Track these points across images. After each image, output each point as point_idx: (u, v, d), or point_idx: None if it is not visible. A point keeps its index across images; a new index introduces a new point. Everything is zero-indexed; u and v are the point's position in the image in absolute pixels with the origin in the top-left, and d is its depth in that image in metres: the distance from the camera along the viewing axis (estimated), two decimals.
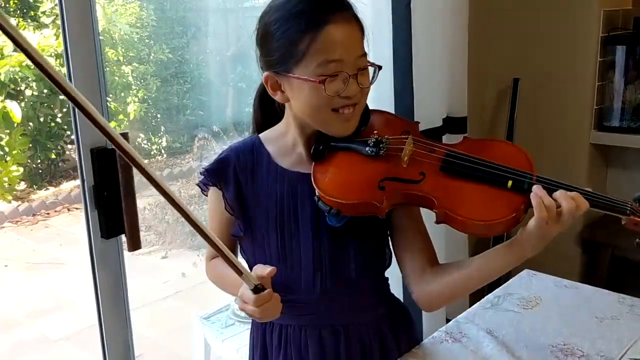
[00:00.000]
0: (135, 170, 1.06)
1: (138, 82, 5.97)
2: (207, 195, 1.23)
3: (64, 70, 1.44)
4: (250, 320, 1.34)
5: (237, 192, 1.18)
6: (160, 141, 6.40)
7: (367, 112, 1.17)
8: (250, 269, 1.09)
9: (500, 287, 1.55)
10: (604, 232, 2.46)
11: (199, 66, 6.31)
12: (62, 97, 5.50)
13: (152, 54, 6.00)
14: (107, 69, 5.92)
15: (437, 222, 1.08)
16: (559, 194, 1.02)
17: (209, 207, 1.24)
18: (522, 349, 1.27)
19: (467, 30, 2.07)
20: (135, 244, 1.49)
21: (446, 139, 1.99)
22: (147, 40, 6.04)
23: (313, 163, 1.13)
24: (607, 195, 1.07)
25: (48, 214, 5.34)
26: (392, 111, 1.80)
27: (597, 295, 1.50)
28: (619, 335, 1.31)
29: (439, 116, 1.92)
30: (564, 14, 2.36)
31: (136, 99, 5.89)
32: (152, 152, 6.37)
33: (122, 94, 5.93)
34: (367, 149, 1.11)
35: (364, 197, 1.07)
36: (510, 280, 1.60)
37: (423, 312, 1.93)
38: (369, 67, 1.10)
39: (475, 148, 1.12)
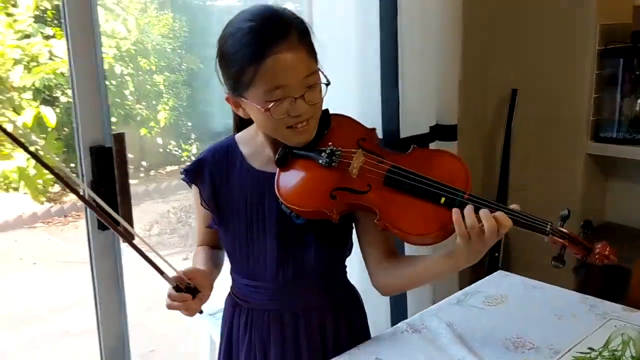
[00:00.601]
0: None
1: (169, 91, 6.18)
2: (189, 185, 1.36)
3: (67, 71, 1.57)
4: None
5: (212, 190, 1.30)
6: (190, 148, 6.60)
7: (327, 118, 1.26)
8: (229, 256, 1.28)
9: (471, 285, 1.63)
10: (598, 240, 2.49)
11: None
12: None
13: (184, 64, 6.21)
14: (140, 77, 6.15)
15: (381, 230, 1.18)
16: (482, 213, 1.09)
17: (193, 198, 1.37)
18: (475, 341, 1.34)
19: (461, 38, 2.14)
20: (129, 236, 1.61)
21: (434, 146, 2.07)
22: (178, 51, 6.25)
23: (277, 169, 1.23)
24: (530, 215, 1.15)
25: (79, 215, 5.54)
26: (379, 116, 1.91)
27: (561, 295, 1.56)
28: (573, 331, 1.36)
29: (426, 123, 2.00)
30: (562, 27, 2.42)
31: (167, 107, 6.10)
32: (182, 159, 6.56)
33: (154, 102, 6.15)
34: (321, 160, 1.20)
35: (317, 205, 1.18)
36: (483, 279, 1.67)
37: (408, 293, 2.02)
38: (320, 83, 1.18)
39: (420, 161, 1.21)
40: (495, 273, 1.71)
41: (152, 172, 6.43)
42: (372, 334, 1.43)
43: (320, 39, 1.88)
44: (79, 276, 4.26)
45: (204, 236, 1.41)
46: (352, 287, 1.43)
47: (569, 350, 1.29)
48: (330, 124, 1.27)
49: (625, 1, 2.52)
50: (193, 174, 1.32)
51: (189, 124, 6.60)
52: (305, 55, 1.16)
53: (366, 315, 1.45)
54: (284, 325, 1.32)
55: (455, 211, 1.10)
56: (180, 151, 6.55)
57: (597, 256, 1.17)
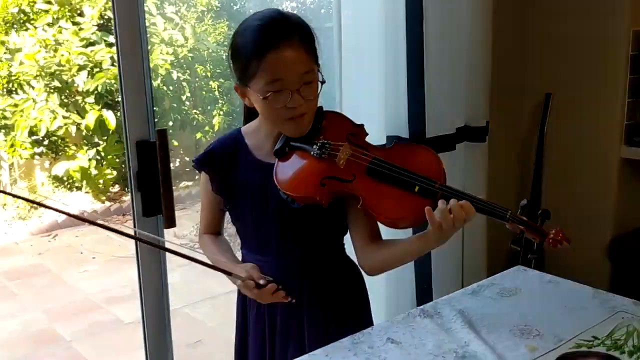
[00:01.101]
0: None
1: (224, 97, 6.40)
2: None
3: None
4: None
5: (221, 177, 1.46)
6: None
7: (320, 115, 1.41)
8: (238, 234, 1.44)
9: (488, 278, 1.70)
10: (632, 246, 2.51)
11: None
12: (155, 108, 6.01)
13: None
14: (196, 84, 6.39)
15: (364, 215, 1.36)
16: (451, 203, 1.25)
17: (200, 187, 1.54)
18: (483, 326, 1.42)
19: (490, 41, 2.20)
20: (169, 222, 1.76)
21: (463, 147, 2.14)
22: None
23: (276, 160, 1.39)
24: (492, 204, 1.29)
25: None
26: (405, 117, 2.00)
27: (574, 289, 1.61)
28: (579, 322, 1.42)
29: (452, 124, 2.08)
30: (596, 32, 2.45)
31: (221, 112, 6.31)
32: None
33: (209, 107, 6.38)
34: (313, 152, 1.36)
35: (308, 192, 1.34)
36: (500, 273, 1.74)
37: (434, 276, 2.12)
38: (317, 81, 1.33)
39: (400, 154, 1.36)
40: (513, 267, 1.77)
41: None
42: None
43: (348, 42, 2.01)
44: (134, 270, 4.48)
45: (208, 222, 1.57)
46: (352, 262, 1.56)
47: (572, 338, 1.35)
48: (324, 119, 1.41)
49: None
50: (204, 163, 1.47)
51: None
52: (304, 55, 1.31)
53: (366, 289, 1.59)
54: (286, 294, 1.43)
55: (427, 208, 1.24)
56: None
57: (551, 240, 1.32)
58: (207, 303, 3.82)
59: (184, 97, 6.12)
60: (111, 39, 5.52)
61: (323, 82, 1.35)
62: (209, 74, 6.30)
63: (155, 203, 1.74)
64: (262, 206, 1.43)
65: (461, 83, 2.08)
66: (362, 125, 1.44)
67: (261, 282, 1.33)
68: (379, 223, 1.42)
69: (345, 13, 1.99)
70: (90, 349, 3.40)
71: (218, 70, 6.39)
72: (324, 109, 1.44)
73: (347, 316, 1.52)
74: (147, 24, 5.66)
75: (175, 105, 6.02)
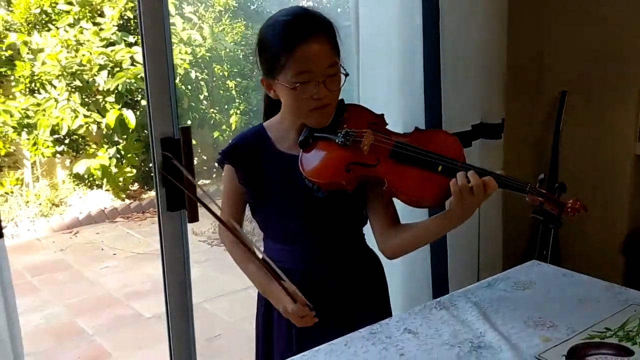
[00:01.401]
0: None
1: (241, 96, 6.46)
2: (222, 168, 1.58)
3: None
4: None
5: (246, 170, 1.52)
6: None
7: (343, 106, 1.48)
8: (260, 226, 1.55)
9: (503, 272, 1.74)
10: None
11: None
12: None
13: (255, 70, 6.44)
14: (214, 83, 6.46)
15: (388, 196, 1.45)
16: (470, 175, 1.33)
17: (224, 180, 1.58)
18: (498, 318, 1.45)
19: (505, 39, 2.23)
20: (193, 216, 1.82)
21: (479, 144, 2.17)
22: (250, 57, 6.53)
23: (300, 151, 1.45)
24: (511, 178, 1.37)
25: (156, 212, 5.88)
26: (422, 114, 2.05)
27: (588, 283, 1.64)
28: (593, 314, 1.45)
29: (467, 121, 2.11)
30: (611, 31, 2.47)
31: (238, 111, 6.37)
32: None
33: (226, 107, 6.44)
34: (337, 140, 1.42)
35: (335, 178, 1.41)
36: (515, 267, 1.77)
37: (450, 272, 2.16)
38: (340, 74, 1.41)
39: (421, 139, 1.44)
40: (528, 262, 1.80)
41: (223, 174, 6.72)
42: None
43: (365, 40, 2.06)
44: (153, 267, 4.57)
45: (231, 217, 1.56)
46: (373, 252, 1.63)
47: (585, 330, 1.39)
48: (345, 111, 1.49)
49: None
50: (229, 156, 1.53)
51: None
52: (329, 50, 1.39)
53: (386, 279, 1.66)
54: (312, 283, 1.51)
55: (452, 181, 1.32)
56: None
57: (569, 210, 1.37)
58: (226, 298, 3.89)
59: (201, 97, 6.19)
60: (131, 38, 5.61)
61: (346, 75, 1.43)
62: (226, 73, 6.37)
63: (179, 198, 1.79)
64: (287, 197, 1.49)
65: (477, 80, 2.12)
66: (382, 115, 1.52)
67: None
68: (402, 205, 1.47)
69: (362, 11, 2.03)
70: (112, 342, 3.48)
71: (235, 70, 6.45)
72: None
73: (369, 305, 1.58)
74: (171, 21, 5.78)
75: (193, 104, 6.10)
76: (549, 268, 1.75)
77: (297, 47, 1.35)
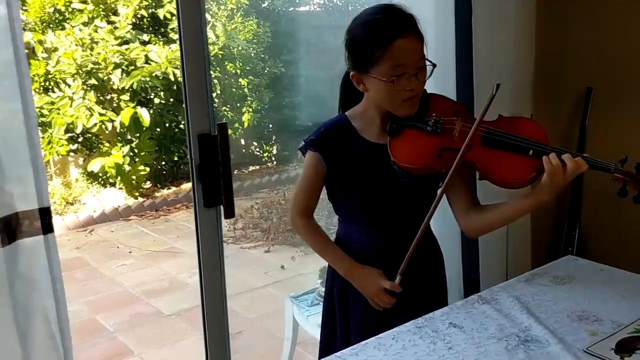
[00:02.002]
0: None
1: (253, 94, 6.47)
2: (304, 155, 1.65)
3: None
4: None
5: (333, 157, 1.59)
6: (271, 149, 6.87)
7: (426, 97, 1.56)
8: (341, 210, 1.66)
9: (540, 267, 1.74)
10: None
11: (309, 80, 6.73)
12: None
13: (267, 68, 6.49)
14: (226, 81, 6.47)
15: (480, 179, 1.54)
16: (565, 156, 1.42)
17: (305, 164, 1.65)
18: (541, 312, 1.47)
19: (538, 38, 2.24)
20: (229, 212, 1.82)
21: None
22: (262, 55, 6.54)
23: (389, 138, 1.53)
24: (598, 160, 1.46)
25: (169, 210, 5.91)
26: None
27: (627, 278, 1.66)
28: (636, 308, 1.46)
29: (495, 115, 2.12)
30: (637, 25, 2.47)
31: (250, 109, 6.38)
32: (264, 159, 6.84)
33: (238, 105, 6.46)
34: (428, 127, 1.51)
35: (428, 163, 1.51)
36: (552, 262, 1.78)
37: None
38: (427, 66, 1.50)
39: (508, 125, 1.53)
40: (564, 257, 1.81)
41: (235, 172, 6.74)
42: None
43: None
44: (169, 265, 4.59)
45: (308, 203, 1.67)
46: (436, 238, 1.72)
47: (630, 324, 1.39)
48: (429, 100, 1.57)
49: None
50: (317, 144, 1.60)
51: (271, 125, 6.88)
52: (420, 43, 1.49)
53: (443, 264, 1.75)
54: (389, 266, 1.57)
55: (545, 158, 1.42)
56: (261, 152, 6.84)
57: None
58: (245, 296, 3.90)
59: (214, 95, 6.20)
60: (145, 37, 5.63)
61: (434, 66, 1.51)
62: (238, 71, 6.38)
63: (215, 194, 1.80)
64: (372, 182, 1.57)
65: (507, 78, 2.12)
66: (463, 103, 1.66)
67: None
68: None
69: None
70: (134, 339, 3.49)
71: (247, 68, 6.47)
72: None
73: (434, 291, 1.68)
74: None
75: None
76: (586, 263, 1.76)
77: (393, 43, 1.43)
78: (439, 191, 1.56)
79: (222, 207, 1.83)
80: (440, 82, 2.05)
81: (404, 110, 1.52)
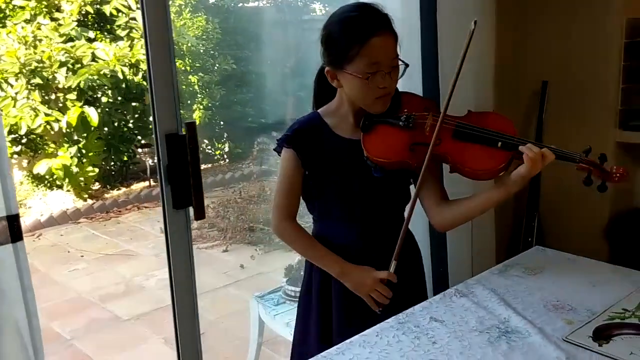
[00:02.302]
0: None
1: (203, 91, 6.38)
2: (279, 155, 1.65)
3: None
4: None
5: (308, 153, 1.60)
6: (223, 147, 6.79)
7: (397, 95, 1.59)
8: (318, 207, 1.65)
9: (511, 259, 1.78)
10: (629, 227, 2.62)
11: (260, 76, 6.68)
12: (134, 103, 5.97)
13: (217, 65, 6.40)
14: (176, 78, 6.34)
15: (451, 171, 1.56)
16: (534, 149, 1.45)
17: (282, 164, 1.64)
18: (518, 303, 1.49)
19: (496, 35, 2.28)
20: (200, 214, 1.79)
21: None
22: (212, 52, 6.45)
23: (362, 133, 1.55)
24: (563, 150, 1.51)
25: (120, 211, 5.77)
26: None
27: (595, 266, 1.71)
28: (607, 296, 1.51)
29: (463, 112, 2.14)
30: (591, 21, 2.54)
31: (201, 107, 6.29)
32: (216, 157, 6.76)
33: (189, 102, 6.35)
34: (400, 122, 1.54)
35: (400, 157, 1.53)
36: (521, 253, 1.82)
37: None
38: (400, 65, 1.52)
39: (477, 119, 1.57)
40: (532, 248, 1.85)
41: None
42: None
43: None
44: (124, 268, 4.48)
45: (290, 205, 1.65)
46: (411, 232, 1.72)
47: (605, 311, 1.43)
48: (401, 97, 1.60)
49: None
50: (292, 141, 1.60)
51: (222, 123, 6.80)
52: (394, 42, 1.51)
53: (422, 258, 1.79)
54: (367, 259, 1.60)
55: (526, 146, 1.46)
56: (213, 150, 6.75)
57: (614, 175, 1.52)
58: (206, 297, 3.84)
59: None
60: (91, 34, 5.46)
61: (407, 65, 1.53)
62: (188, 68, 6.27)
63: (185, 195, 1.76)
64: (347, 177, 1.59)
65: (470, 75, 2.14)
66: (434, 101, 1.71)
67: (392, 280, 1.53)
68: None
69: None
70: (92, 346, 3.39)
71: (197, 65, 6.36)
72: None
73: (412, 284, 1.69)
74: (127, 19, 5.66)
75: None
76: (554, 253, 1.81)
77: (369, 40, 1.45)
78: (419, 179, 1.55)
79: (191, 209, 1.80)
80: (407, 79, 2.06)
81: (376, 107, 1.54)
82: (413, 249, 1.73)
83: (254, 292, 2.86)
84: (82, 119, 5.36)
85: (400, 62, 1.52)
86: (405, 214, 1.60)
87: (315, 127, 1.61)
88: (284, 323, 2.60)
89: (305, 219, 1.81)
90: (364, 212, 1.61)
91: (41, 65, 5.16)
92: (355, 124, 1.59)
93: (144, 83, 5.77)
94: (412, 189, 1.68)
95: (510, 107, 2.73)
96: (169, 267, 1.83)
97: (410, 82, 2.07)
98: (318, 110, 1.65)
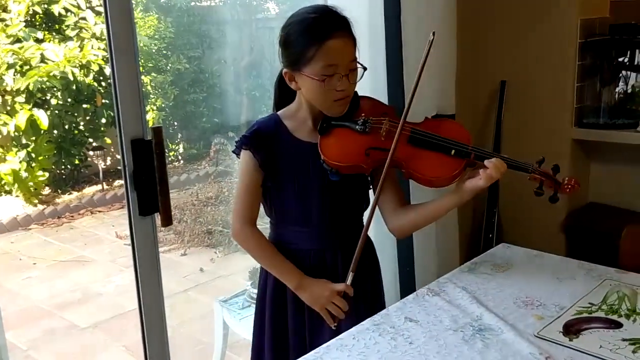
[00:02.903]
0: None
1: (156, 91, 6.26)
2: (239, 158, 1.62)
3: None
4: None
5: (266, 155, 1.57)
6: (177, 148, 6.69)
7: (356, 99, 1.60)
8: (275, 211, 1.62)
9: (479, 256, 1.81)
10: (584, 220, 2.70)
11: (214, 75, 6.60)
12: (85, 105, 5.83)
13: (170, 64, 6.29)
14: (140, 81, 6.20)
15: (405, 178, 1.59)
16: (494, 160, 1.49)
17: (241, 167, 1.62)
18: (489, 301, 1.52)
19: (456, 37, 2.32)
20: (167, 220, 1.75)
21: None
22: (164, 51, 6.34)
23: (319, 136, 1.54)
24: (516, 160, 1.54)
25: (72, 216, 5.62)
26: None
27: (560, 262, 1.75)
28: (573, 291, 1.55)
29: (428, 114, 2.17)
30: (547, 22, 2.61)
31: (154, 107, 6.17)
32: (170, 159, 6.65)
33: None
34: (357, 127, 1.54)
35: (355, 161, 1.53)
36: (488, 251, 1.85)
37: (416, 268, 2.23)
38: (358, 68, 1.52)
39: (433, 126, 1.59)
40: (499, 245, 1.89)
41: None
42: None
43: None
44: (79, 274, 4.37)
45: (251, 208, 1.62)
46: (372, 243, 1.74)
47: (572, 306, 1.47)
48: (359, 102, 1.60)
49: None
50: (251, 141, 1.58)
51: (176, 123, 6.69)
52: (352, 45, 1.50)
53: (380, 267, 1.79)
54: (325, 264, 1.62)
55: (492, 161, 1.48)
56: (167, 151, 6.63)
57: (566, 187, 1.57)
58: (166, 302, 3.76)
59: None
60: (39, 34, 5.30)
61: (365, 69, 1.53)
62: (141, 68, 6.14)
63: (151, 202, 1.72)
64: (304, 181, 1.58)
65: (433, 78, 2.17)
66: (392, 106, 1.71)
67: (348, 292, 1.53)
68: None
69: None
70: (49, 357, 3.30)
71: (150, 65, 6.25)
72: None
73: (369, 289, 1.68)
74: (76, 18, 5.51)
75: (107, 101, 5.86)
76: (520, 249, 1.84)
77: (326, 42, 1.44)
78: (379, 184, 1.55)
79: (158, 215, 1.77)
80: (372, 81, 2.07)
81: (334, 110, 1.54)
82: (371, 257, 1.72)
83: (215, 295, 2.84)
84: (32, 122, 5.19)
85: (358, 66, 1.51)
86: (365, 220, 1.60)
87: (274, 129, 1.60)
88: (249, 327, 2.57)
89: (260, 222, 1.79)
90: (322, 216, 1.60)
91: None
92: (313, 127, 1.59)
93: (95, 84, 5.64)
94: (371, 194, 1.68)
95: (470, 106, 2.79)
96: (136, 275, 1.79)
97: (375, 86, 2.09)
98: (277, 113, 1.64)
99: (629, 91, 2.67)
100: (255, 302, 2.57)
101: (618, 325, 1.38)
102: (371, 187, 1.68)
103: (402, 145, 1.53)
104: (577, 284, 1.59)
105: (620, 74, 2.67)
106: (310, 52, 1.45)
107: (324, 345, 1.35)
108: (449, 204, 1.56)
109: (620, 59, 2.65)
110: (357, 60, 1.51)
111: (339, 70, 1.46)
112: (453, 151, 1.52)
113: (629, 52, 2.64)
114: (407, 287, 2.22)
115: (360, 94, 1.65)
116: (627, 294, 1.51)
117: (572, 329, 1.37)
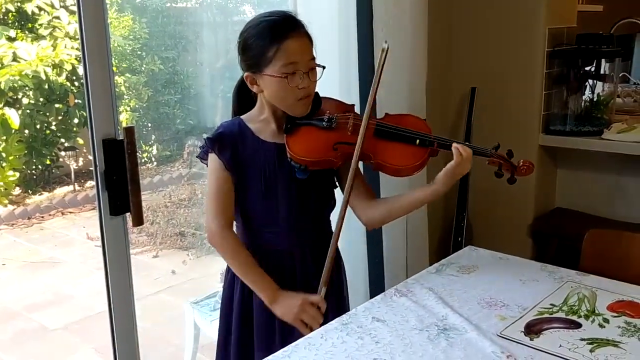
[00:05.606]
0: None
1: (130, 92, 6.21)
2: (206, 164, 1.63)
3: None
4: None
5: (231, 156, 1.59)
6: (150, 149, 6.65)
7: (318, 98, 1.64)
8: (242, 214, 1.63)
9: (446, 258, 1.84)
10: (551, 224, 2.76)
11: (189, 77, 6.57)
12: (57, 105, 5.77)
13: (144, 65, 6.26)
14: (113, 81, 6.15)
15: (373, 169, 1.65)
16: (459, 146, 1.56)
17: (209, 170, 1.63)
18: (454, 301, 1.55)
19: (427, 43, 2.37)
20: (139, 220, 1.76)
21: None
22: (139, 52, 6.30)
23: (285, 135, 1.58)
24: (477, 145, 1.65)
25: (43, 217, 5.56)
26: (358, 111, 2.12)
27: (524, 264, 1.80)
28: (536, 292, 1.59)
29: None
30: (515, 31, 2.68)
31: (128, 108, 6.13)
32: (143, 160, 6.60)
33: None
34: (323, 123, 1.60)
35: (324, 155, 1.58)
36: (455, 253, 1.89)
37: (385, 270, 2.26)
38: (317, 68, 1.57)
39: (395, 120, 1.67)
40: (465, 248, 1.93)
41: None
42: (353, 307, 1.65)
43: None
44: (50, 276, 4.32)
45: (223, 209, 1.61)
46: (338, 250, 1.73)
47: (534, 306, 1.52)
48: (321, 102, 1.66)
49: (571, 7, 2.80)
50: (216, 143, 1.60)
51: (149, 125, 6.66)
52: (309, 44, 1.56)
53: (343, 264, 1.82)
54: (294, 264, 1.65)
55: (456, 145, 1.56)
56: (140, 152, 6.59)
57: (522, 168, 1.68)
58: (137, 304, 3.74)
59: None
60: (12, 33, 5.24)
61: (324, 68, 1.58)
62: (115, 68, 6.10)
63: (123, 202, 1.73)
64: (271, 181, 1.60)
65: (406, 79, 2.22)
66: (352, 105, 1.74)
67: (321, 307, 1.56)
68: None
69: (300, 11, 2.06)
70: (19, 358, 3.26)
71: (124, 65, 6.21)
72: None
73: (339, 287, 1.73)
74: (50, 17, 5.45)
75: (80, 101, 5.80)
76: (486, 252, 1.88)
77: (285, 41, 1.49)
78: (349, 178, 1.57)
79: (129, 215, 1.77)
80: (344, 84, 2.11)
81: (298, 110, 1.58)
82: (337, 265, 1.72)
83: (186, 298, 2.83)
84: (2, 121, 5.12)
85: (317, 65, 1.56)
86: (333, 221, 1.63)
87: (238, 131, 1.62)
88: None
89: None
90: (288, 216, 1.62)
91: None
92: (277, 129, 1.62)
93: (68, 84, 5.58)
94: (338, 193, 1.71)
95: (441, 111, 2.84)
96: (106, 276, 1.80)
97: (347, 87, 2.13)
98: (241, 117, 1.67)
99: (595, 99, 2.75)
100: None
101: (577, 325, 1.43)
102: (338, 186, 1.72)
103: (369, 138, 1.59)
104: (540, 286, 1.63)
105: (587, 83, 2.75)
106: (270, 52, 1.49)
107: (292, 344, 1.37)
108: (424, 196, 1.62)
109: (587, 68, 2.73)
110: (315, 59, 1.56)
111: (300, 68, 1.51)
112: (418, 141, 1.59)
113: (595, 62, 2.72)
114: (377, 287, 2.25)
115: (328, 95, 1.70)
116: (587, 296, 1.56)
117: (533, 328, 1.41)
